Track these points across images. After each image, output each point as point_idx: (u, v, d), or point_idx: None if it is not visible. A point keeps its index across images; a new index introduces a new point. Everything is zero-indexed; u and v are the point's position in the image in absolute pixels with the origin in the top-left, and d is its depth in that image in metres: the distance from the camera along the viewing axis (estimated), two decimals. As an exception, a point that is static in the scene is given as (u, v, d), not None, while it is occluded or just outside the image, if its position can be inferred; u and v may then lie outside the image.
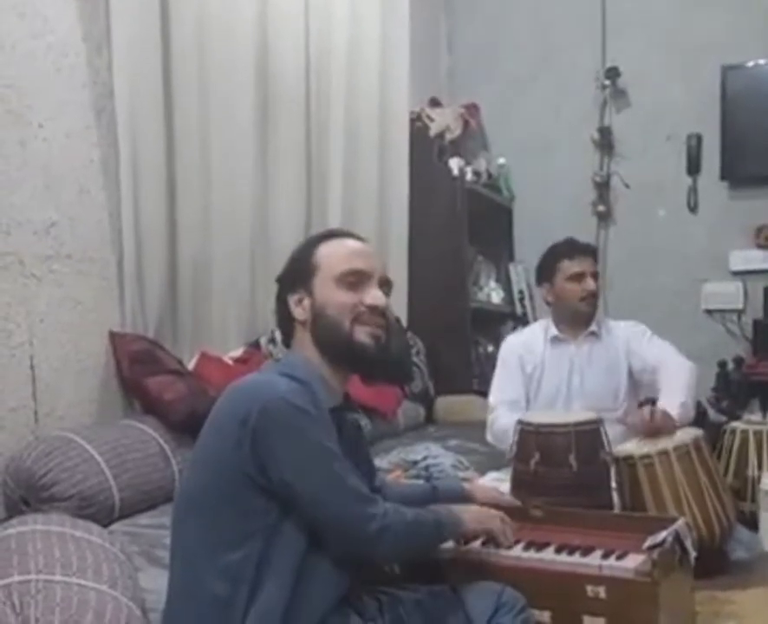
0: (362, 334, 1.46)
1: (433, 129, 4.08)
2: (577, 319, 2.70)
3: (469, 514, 1.60)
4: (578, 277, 2.65)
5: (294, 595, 1.32)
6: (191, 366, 2.72)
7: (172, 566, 1.41)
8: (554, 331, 2.73)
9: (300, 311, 1.49)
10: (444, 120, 4.11)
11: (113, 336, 2.48)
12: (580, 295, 2.65)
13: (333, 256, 1.49)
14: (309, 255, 1.50)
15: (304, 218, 3.36)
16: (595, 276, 2.68)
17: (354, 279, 1.47)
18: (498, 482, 2.28)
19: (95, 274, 2.45)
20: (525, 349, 2.74)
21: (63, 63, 2.34)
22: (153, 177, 2.61)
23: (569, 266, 2.66)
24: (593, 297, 2.67)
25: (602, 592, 1.51)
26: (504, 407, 2.65)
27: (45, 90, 2.29)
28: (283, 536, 1.33)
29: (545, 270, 2.75)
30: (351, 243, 1.53)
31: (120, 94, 2.48)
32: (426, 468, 2.70)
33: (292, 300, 1.50)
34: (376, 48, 3.80)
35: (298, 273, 1.51)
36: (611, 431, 2.19)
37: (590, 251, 2.76)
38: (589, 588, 1.52)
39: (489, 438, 2.71)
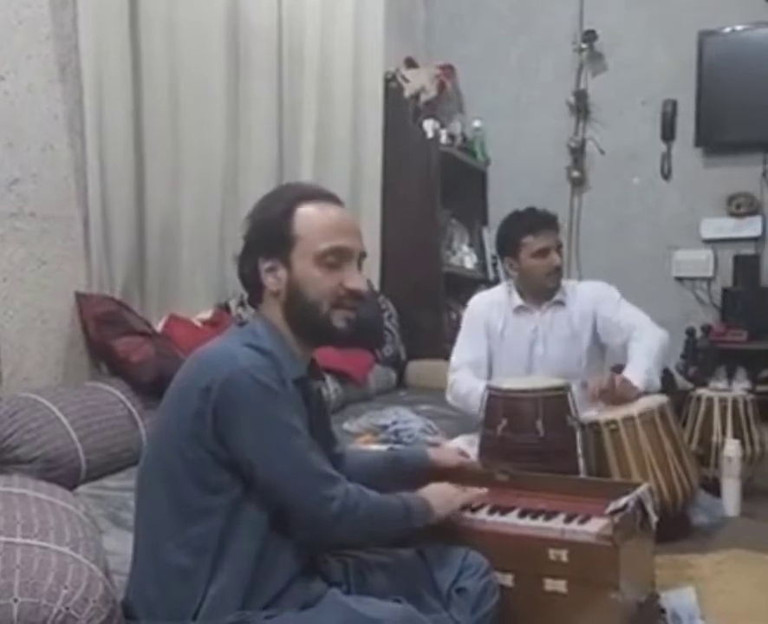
0: (339, 320, 1.42)
1: (408, 90, 4.04)
2: (543, 293, 2.68)
3: (435, 498, 1.55)
4: (543, 253, 2.60)
5: (257, 568, 1.31)
6: (159, 327, 2.69)
7: (137, 533, 1.40)
8: (518, 301, 2.70)
9: (272, 281, 1.42)
10: (419, 81, 4.07)
11: (79, 297, 2.45)
12: (546, 271, 2.61)
13: (314, 229, 1.40)
14: (287, 221, 1.40)
15: (276, 179, 3.32)
16: (559, 248, 2.65)
17: (336, 259, 1.40)
18: (469, 445, 2.29)
19: (60, 233, 2.41)
20: (491, 312, 2.73)
21: (25, 14, 2.27)
22: (120, 133, 2.55)
23: (534, 242, 2.60)
24: (558, 271, 2.65)
25: (563, 555, 1.53)
26: (466, 369, 2.64)
27: (6, 41, 2.22)
28: (245, 511, 1.32)
29: (508, 245, 2.68)
30: (333, 212, 1.43)
31: (85, 47, 2.41)
32: (396, 432, 2.72)
33: (263, 266, 1.41)
34: (351, 3, 3.73)
35: (274, 240, 1.41)
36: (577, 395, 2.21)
37: (552, 223, 2.68)
38: (552, 552, 1.54)
39: (449, 398, 2.69)
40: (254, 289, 1.47)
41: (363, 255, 1.48)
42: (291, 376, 1.38)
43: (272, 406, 1.31)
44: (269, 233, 1.42)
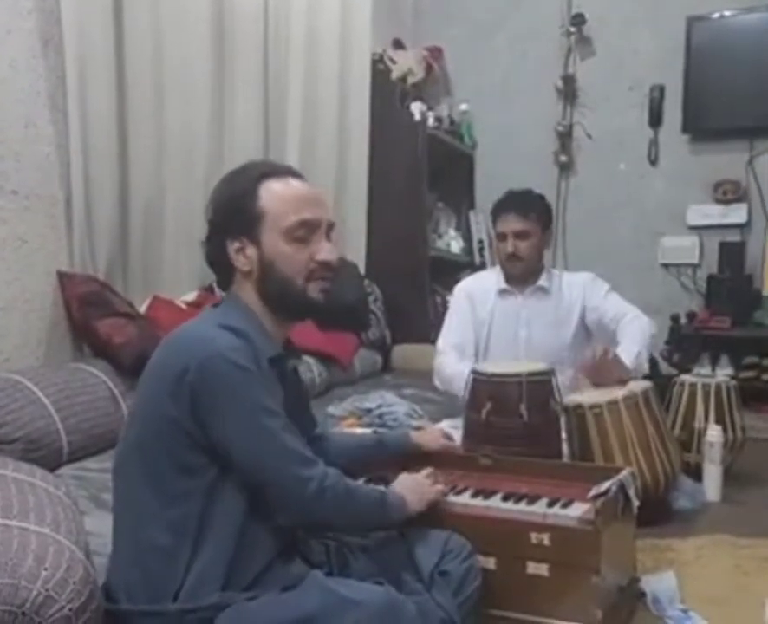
0: (314, 291, 1.42)
1: (395, 72, 4.01)
2: (507, 277, 2.73)
3: (410, 494, 1.54)
4: (502, 238, 2.67)
5: (237, 549, 1.31)
6: (142, 309, 2.67)
7: (116, 515, 1.39)
8: (503, 283, 2.74)
9: (243, 261, 1.41)
10: (406, 63, 4.04)
11: (61, 277, 2.42)
12: (504, 255, 2.68)
13: (279, 204, 1.39)
14: (251, 198, 1.39)
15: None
16: (520, 235, 2.63)
17: (304, 232, 1.40)
18: (453, 429, 2.29)
19: (42, 211, 2.37)
20: (479, 295, 2.76)
21: (7, -12, 2.23)
22: (103, 110, 2.51)
23: (497, 226, 2.71)
24: (515, 258, 2.65)
25: (545, 539, 1.53)
26: (452, 352, 2.67)
27: (-13, 16, 2.18)
28: (224, 493, 1.32)
29: (493, 227, 2.80)
30: (296, 185, 1.43)
31: (68, 22, 2.37)
32: (381, 416, 2.71)
33: (232, 247, 1.40)
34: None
35: (240, 218, 1.40)
36: (562, 380, 2.22)
37: (515, 209, 2.65)
38: (534, 536, 1.54)
39: (436, 382, 2.72)
40: (224, 272, 1.46)
41: (332, 225, 1.47)
42: (266, 355, 1.37)
43: (248, 388, 1.30)
44: (234, 212, 1.41)
